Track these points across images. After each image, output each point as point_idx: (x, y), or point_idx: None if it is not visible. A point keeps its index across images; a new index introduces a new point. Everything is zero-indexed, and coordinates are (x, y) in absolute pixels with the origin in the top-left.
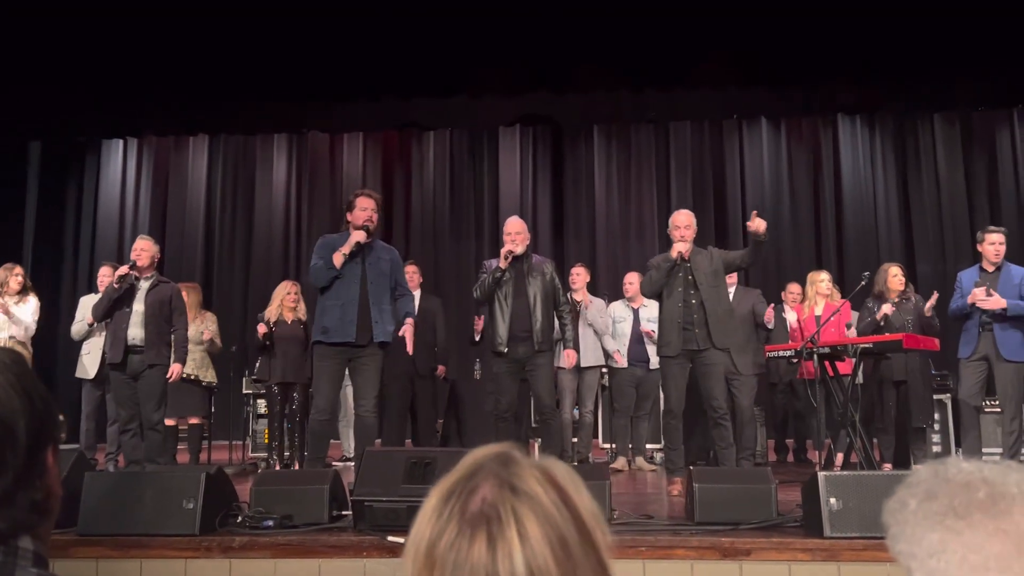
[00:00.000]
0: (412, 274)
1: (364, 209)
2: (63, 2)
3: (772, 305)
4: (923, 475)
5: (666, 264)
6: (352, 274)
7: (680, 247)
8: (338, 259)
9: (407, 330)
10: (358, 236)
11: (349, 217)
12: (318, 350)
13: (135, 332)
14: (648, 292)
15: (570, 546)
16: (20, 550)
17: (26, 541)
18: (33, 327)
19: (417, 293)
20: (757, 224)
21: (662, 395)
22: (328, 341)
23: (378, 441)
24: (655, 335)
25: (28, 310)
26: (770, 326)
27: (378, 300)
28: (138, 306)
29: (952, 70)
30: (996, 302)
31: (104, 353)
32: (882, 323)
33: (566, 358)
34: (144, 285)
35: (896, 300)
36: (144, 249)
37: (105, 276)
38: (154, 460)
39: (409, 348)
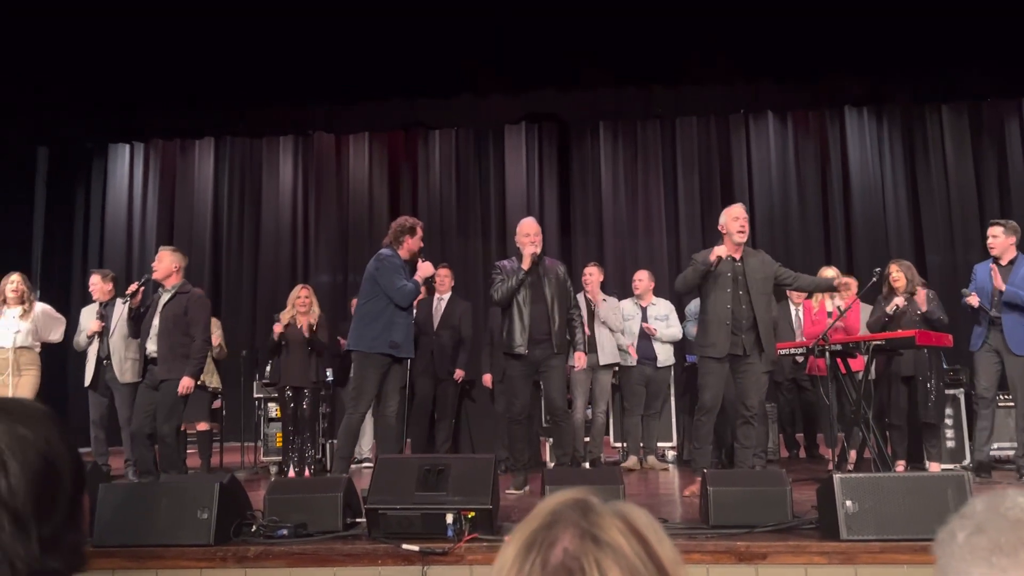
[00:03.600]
0: (444, 277)
1: (423, 239)
2: (68, 7)
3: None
4: (977, 507)
5: (703, 267)
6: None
7: (720, 251)
8: (421, 282)
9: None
10: (429, 268)
11: (409, 241)
12: (375, 359)
13: (151, 346)
14: (681, 288)
15: None
16: None
17: None
18: (47, 336)
19: (447, 296)
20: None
21: (699, 392)
22: (398, 356)
23: (408, 440)
24: (657, 332)
25: (47, 325)
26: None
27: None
28: (156, 319)
29: (960, 60)
30: (999, 283)
31: (101, 360)
32: (887, 318)
33: (577, 360)
34: (164, 297)
35: (906, 296)
36: (160, 260)
37: (94, 285)
38: (167, 471)
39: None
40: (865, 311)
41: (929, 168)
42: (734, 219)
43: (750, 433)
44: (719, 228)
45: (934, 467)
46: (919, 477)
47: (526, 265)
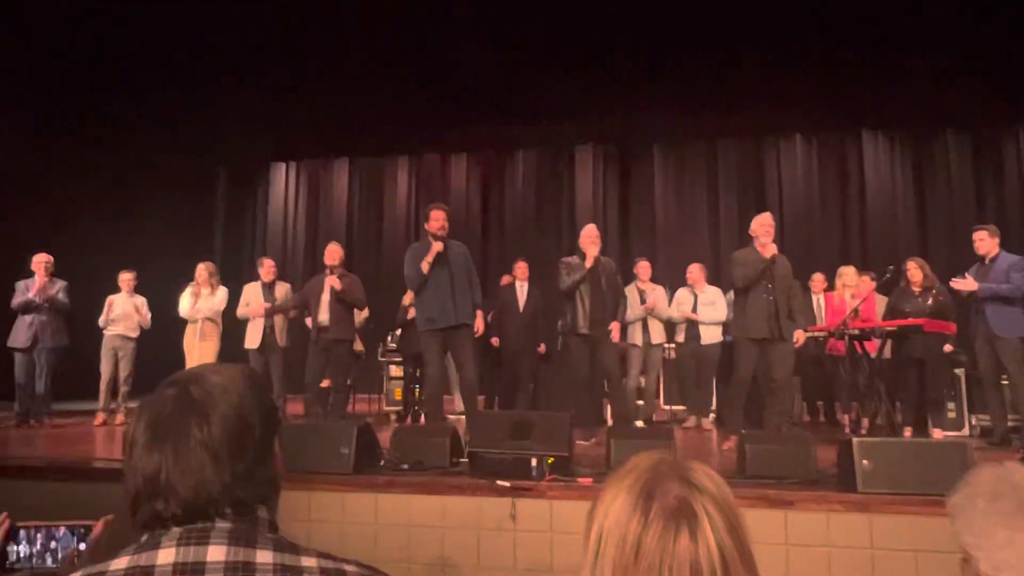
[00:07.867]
0: (523, 268)
1: (436, 220)
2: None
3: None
4: (986, 476)
5: (760, 264)
6: (443, 273)
7: (773, 249)
8: (425, 267)
9: (478, 323)
10: (437, 247)
11: (427, 226)
12: (427, 335)
13: (323, 316)
14: (741, 284)
15: (738, 530)
16: (259, 520)
17: (263, 511)
18: (215, 310)
19: (525, 285)
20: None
21: (735, 368)
22: (436, 328)
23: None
24: (698, 317)
25: (216, 299)
26: None
27: (462, 289)
28: (325, 296)
29: (961, 89)
30: (968, 284)
31: (266, 329)
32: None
33: (612, 327)
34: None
35: (920, 290)
36: (333, 251)
37: (270, 266)
38: (339, 415)
39: (479, 331)
40: (880, 302)
41: (935, 183)
42: (761, 225)
43: (776, 401)
44: (750, 232)
45: (937, 433)
46: (927, 443)
47: (589, 264)
